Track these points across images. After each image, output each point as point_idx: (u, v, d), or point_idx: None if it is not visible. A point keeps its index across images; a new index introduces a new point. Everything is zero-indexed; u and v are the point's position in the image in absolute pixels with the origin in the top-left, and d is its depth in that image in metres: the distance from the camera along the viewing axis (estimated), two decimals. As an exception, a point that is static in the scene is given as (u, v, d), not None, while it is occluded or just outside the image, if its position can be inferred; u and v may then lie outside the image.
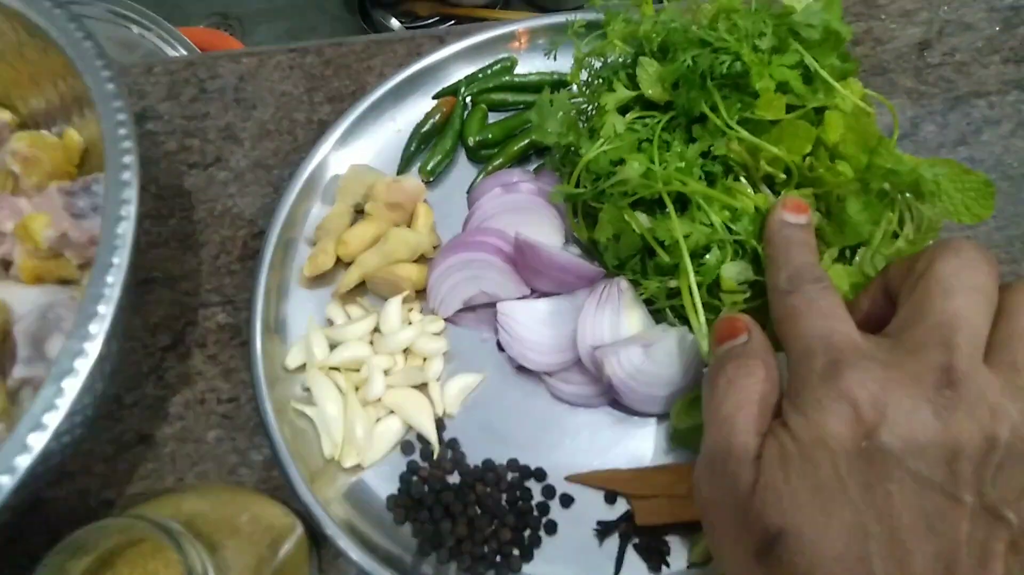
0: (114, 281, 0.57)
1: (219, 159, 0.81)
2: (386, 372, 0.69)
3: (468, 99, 0.81)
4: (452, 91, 0.81)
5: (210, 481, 0.68)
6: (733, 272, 0.60)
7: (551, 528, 0.65)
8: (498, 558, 0.63)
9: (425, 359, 0.71)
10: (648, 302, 0.67)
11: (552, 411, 0.69)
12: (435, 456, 0.67)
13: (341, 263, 0.74)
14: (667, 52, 0.64)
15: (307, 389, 0.69)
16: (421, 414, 0.68)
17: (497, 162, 0.77)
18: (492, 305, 0.72)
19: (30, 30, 0.69)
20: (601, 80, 0.69)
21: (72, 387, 0.54)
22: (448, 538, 0.63)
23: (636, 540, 0.64)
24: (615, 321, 0.67)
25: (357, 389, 0.69)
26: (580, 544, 0.64)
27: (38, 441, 0.53)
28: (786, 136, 0.59)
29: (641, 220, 0.62)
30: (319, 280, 0.74)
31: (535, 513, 0.65)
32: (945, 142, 0.77)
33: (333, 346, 0.70)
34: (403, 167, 0.79)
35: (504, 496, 0.66)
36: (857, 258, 0.61)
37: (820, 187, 0.60)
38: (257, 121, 0.83)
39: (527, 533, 0.64)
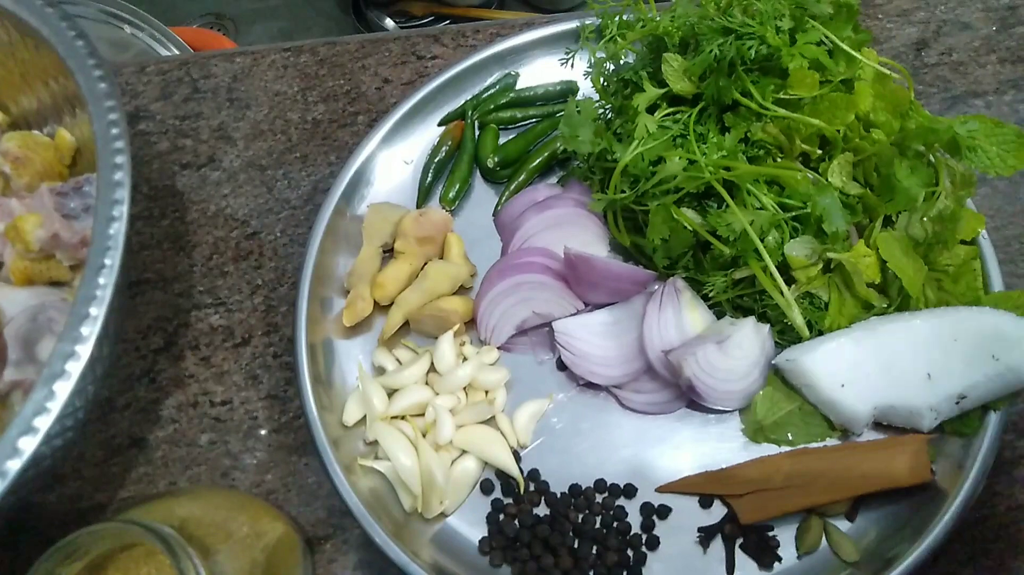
0: (106, 283, 0.56)
1: (212, 159, 0.80)
2: (451, 411, 0.66)
3: (475, 121, 0.79)
4: (458, 115, 0.79)
5: (203, 485, 0.68)
6: (800, 249, 0.61)
7: (653, 543, 0.63)
8: None
9: (487, 392, 0.68)
10: (704, 298, 0.67)
11: (627, 423, 0.67)
12: (520, 490, 0.65)
13: (379, 307, 0.71)
14: (687, 46, 0.64)
15: (370, 443, 0.66)
16: (496, 449, 0.65)
17: (520, 179, 0.76)
18: (545, 325, 0.70)
19: (22, 29, 0.68)
20: (622, 82, 0.69)
21: (63, 390, 0.54)
22: (554, 573, 0.61)
23: (742, 540, 0.63)
24: (679, 322, 0.65)
25: (425, 434, 0.66)
26: (685, 554, 0.63)
27: (29, 445, 0.53)
28: (824, 110, 0.60)
29: (691, 216, 0.62)
30: (359, 328, 0.71)
31: (635, 531, 0.63)
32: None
33: (390, 394, 0.67)
34: (422, 199, 0.76)
35: (599, 519, 0.64)
36: (899, 223, 0.62)
37: (860, 155, 0.61)
38: (250, 121, 0.82)
39: (631, 553, 0.63)
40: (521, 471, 0.66)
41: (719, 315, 0.68)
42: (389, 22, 1.72)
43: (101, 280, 0.56)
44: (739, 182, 0.60)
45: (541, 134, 0.78)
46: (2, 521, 0.55)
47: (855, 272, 0.62)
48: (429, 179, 0.76)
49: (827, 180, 0.61)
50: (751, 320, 0.65)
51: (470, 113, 0.79)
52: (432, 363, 0.68)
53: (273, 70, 0.84)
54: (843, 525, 0.62)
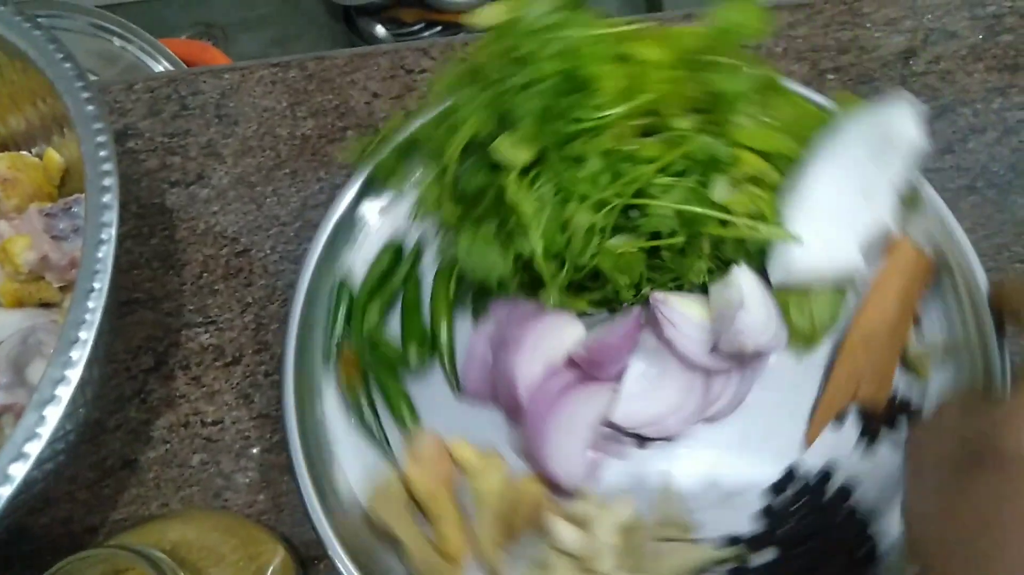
0: (95, 306, 0.56)
1: (201, 176, 0.80)
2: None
3: (368, 347, 0.69)
4: (339, 344, 0.69)
5: (195, 506, 0.68)
6: (721, 189, 0.63)
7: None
8: None
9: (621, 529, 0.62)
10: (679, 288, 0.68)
11: (693, 460, 0.66)
12: None
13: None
14: (507, 121, 0.62)
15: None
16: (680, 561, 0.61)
17: (446, 349, 0.69)
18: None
19: (9, 51, 0.68)
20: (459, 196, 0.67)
21: (54, 415, 0.54)
22: None
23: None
24: (693, 324, 0.64)
25: None
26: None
27: (19, 471, 0.52)
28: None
29: (616, 244, 0.62)
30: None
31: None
32: (931, 150, 0.76)
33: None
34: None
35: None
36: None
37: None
38: (239, 137, 0.82)
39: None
40: None
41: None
42: (380, 29, 1.72)
43: (90, 304, 0.56)
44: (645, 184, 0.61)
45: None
46: (-7, 547, 0.55)
47: (762, 173, 0.65)
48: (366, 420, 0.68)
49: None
50: (732, 272, 0.64)
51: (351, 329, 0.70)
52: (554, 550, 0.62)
53: (261, 86, 0.84)
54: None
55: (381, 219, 0.73)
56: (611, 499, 0.63)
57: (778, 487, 0.65)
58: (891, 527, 0.63)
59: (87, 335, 0.55)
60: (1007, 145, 0.77)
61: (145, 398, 0.72)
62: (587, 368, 0.65)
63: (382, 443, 0.66)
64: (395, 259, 0.71)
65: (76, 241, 0.69)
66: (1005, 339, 0.64)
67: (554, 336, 0.66)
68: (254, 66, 0.85)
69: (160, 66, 1.35)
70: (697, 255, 0.65)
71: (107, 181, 0.61)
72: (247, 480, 0.69)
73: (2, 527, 0.55)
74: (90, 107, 0.64)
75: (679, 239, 0.63)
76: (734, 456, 0.66)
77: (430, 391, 0.68)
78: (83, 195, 0.64)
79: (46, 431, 0.53)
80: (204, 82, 0.85)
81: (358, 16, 1.72)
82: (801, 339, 0.66)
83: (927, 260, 0.68)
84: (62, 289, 0.71)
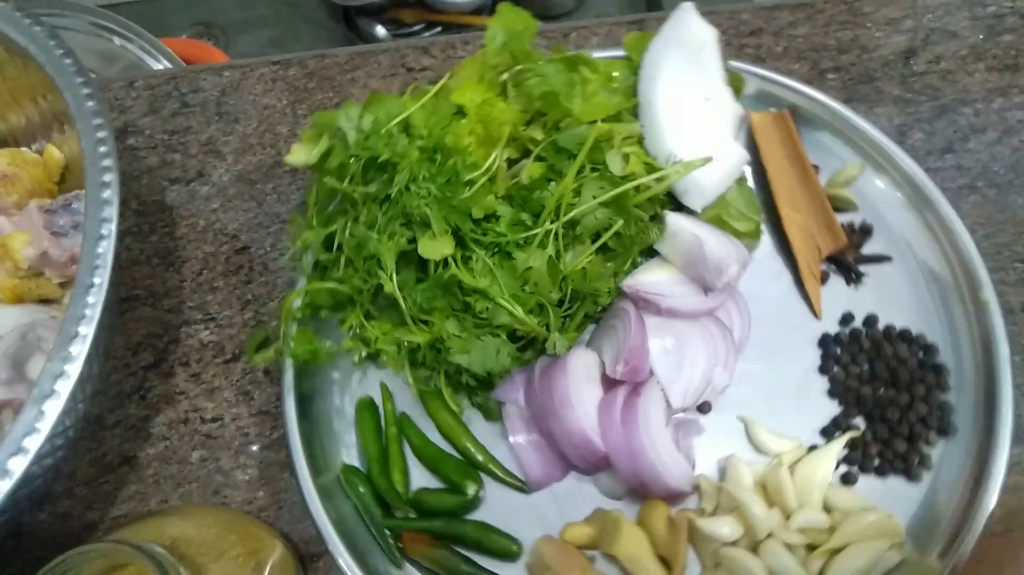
0: (95, 301, 0.56)
1: (201, 174, 0.80)
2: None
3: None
4: (394, 535, 0.65)
5: (194, 502, 0.67)
6: (615, 162, 0.64)
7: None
8: None
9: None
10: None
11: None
12: None
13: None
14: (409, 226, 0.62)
15: None
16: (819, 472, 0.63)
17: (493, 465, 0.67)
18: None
19: (9, 48, 0.68)
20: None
21: (53, 410, 0.54)
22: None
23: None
24: (671, 282, 0.66)
25: None
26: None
27: (19, 465, 0.52)
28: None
29: (572, 263, 0.63)
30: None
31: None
32: (932, 149, 0.77)
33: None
34: None
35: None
36: None
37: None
38: (240, 135, 0.82)
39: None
40: None
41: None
42: (380, 29, 1.72)
43: (90, 299, 0.56)
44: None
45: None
46: (-8, 542, 0.55)
47: (628, 132, 0.68)
48: None
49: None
50: (668, 222, 0.66)
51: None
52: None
53: (262, 83, 0.84)
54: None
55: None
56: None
57: (824, 361, 0.69)
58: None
59: (87, 330, 0.55)
60: (1008, 145, 0.77)
61: (145, 395, 0.72)
62: (631, 378, 0.64)
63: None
64: (373, 414, 0.69)
65: (76, 237, 0.69)
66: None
67: (583, 374, 0.65)
68: (254, 64, 0.85)
69: (160, 65, 1.35)
70: (639, 229, 0.66)
71: (107, 177, 0.61)
72: (246, 477, 0.69)
73: (2, 521, 0.55)
74: (90, 103, 0.64)
75: (618, 224, 0.63)
76: (777, 363, 0.69)
77: (490, 511, 0.66)
78: (83, 191, 0.64)
79: (45, 426, 0.53)
80: (204, 80, 0.84)
81: (358, 17, 1.72)
82: (750, 237, 0.70)
83: (783, 115, 0.73)
84: (62, 285, 0.71)
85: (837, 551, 0.61)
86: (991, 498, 0.61)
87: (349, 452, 0.68)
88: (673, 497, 0.64)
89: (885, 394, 0.67)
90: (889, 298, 0.70)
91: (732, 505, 0.62)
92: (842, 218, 0.72)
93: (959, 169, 0.76)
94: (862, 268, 0.71)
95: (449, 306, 0.63)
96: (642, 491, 0.64)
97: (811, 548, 0.61)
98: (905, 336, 0.69)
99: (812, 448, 0.66)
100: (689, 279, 0.67)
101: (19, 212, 0.71)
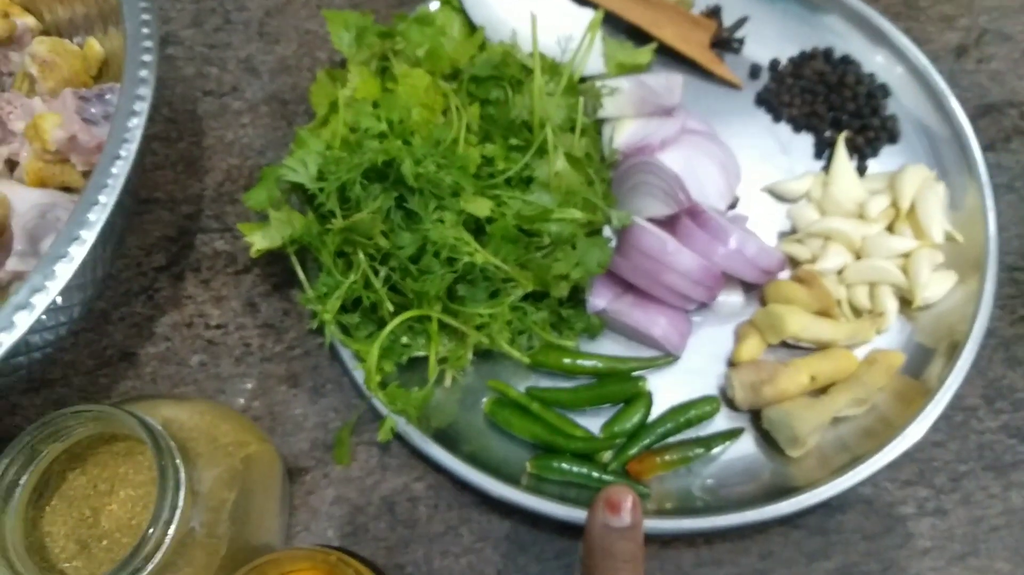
0: (119, 173, 0.56)
1: (235, 89, 0.80)
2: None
3: None
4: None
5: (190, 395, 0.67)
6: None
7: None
8: None
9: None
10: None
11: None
12: None
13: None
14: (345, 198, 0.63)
15: None
16: None
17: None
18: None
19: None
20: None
21: (64, 272, 0.53)
22: None
23: None
24: (637, 127, 0.72)
25: None
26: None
27: (24, 320, 0.51)
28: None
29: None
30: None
31: None
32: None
33: None
34: None
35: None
36: None
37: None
38: (278, 56, 0.81)
39: None
40: None
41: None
42: None
43: (114, 170, 0.55)
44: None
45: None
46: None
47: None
48: None
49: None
50: (606, 86, 0.71)
51: None
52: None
53: (307, 8, 0.84)
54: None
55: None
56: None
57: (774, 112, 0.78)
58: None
59: (107, 199, 0.55)
60: (1050, 150, 0.76)
61: (152, 295, 0.71)
62: (688, 202, 0.67)
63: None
64: (508, 408, 0.66)
65: (106, 127, 0.69)
66: None
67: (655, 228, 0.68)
68: (302, -11, 0.85)
69: None
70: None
71: (144, 72, 0.60)
72: (244, 386, 0.68)
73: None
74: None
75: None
76: (744, 142, 0.75)
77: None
78: (118, 85, 0.64)
79: (55, 286, 0.52)
80: (250, -1, 0.84)
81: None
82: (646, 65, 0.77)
83: None
84: (85, 175, 0.70)
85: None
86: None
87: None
88: (773, 277, 0.69)
89: (838, 102, 0.76)
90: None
91: (824, 235, 0.70)
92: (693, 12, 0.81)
93: (998, 168, 0.75)
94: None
95: (519, 249, 0.63)
96: (758, 283, 0.69)
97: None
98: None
99: (825, 169, 0.75)
100: (651, 115, 0.72)
101: (54, 99, 0.71)
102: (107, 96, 0.70)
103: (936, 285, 0.67)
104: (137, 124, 0.57)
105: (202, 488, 0.51)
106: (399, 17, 0.72)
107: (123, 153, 0.56)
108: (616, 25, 0.79)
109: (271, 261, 0.72)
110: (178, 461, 0.48)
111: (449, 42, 0.72)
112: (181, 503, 0.47)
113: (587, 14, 0.76)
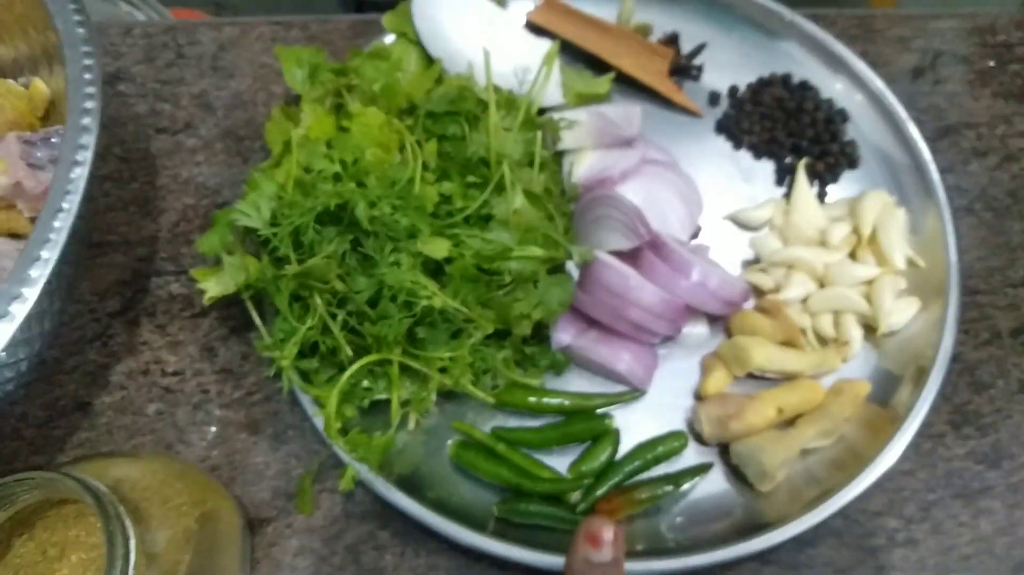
0: (61, 226, 0.54)
1: (189, 125, 0.78)
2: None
3: None
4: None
5: (144, 451, 0.65)
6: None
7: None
8: None
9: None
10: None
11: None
12: None
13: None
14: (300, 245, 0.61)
15: None
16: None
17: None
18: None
19: (5, -26, 0.66)
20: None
21: (5, 332, 0.51)
22: None
23: None
24: (595, 159, 0.72)
25: None
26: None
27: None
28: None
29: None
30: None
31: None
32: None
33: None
34: None
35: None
36: None
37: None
38: (233, 91, 0.80)
39: None
40: None
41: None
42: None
43: (56, 223, 0.54)
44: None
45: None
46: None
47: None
48: None
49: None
50: (564, 119, 0.71)
51: None
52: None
53: (261, 42, 0.82)
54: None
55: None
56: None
57: (734, 139, 0.78)
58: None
59: (49, 255, 0.53)
60: (1007, 171, 0.76)
61: (107, 342, 0.69)
62: (649, 236, 0.67)
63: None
64: (473, 451, 0.65)
65: (52, 172, 0.67)
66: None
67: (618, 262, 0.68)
68: (255, 22, 0.83)
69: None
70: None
71: (89, 104, 0.59)
72: (202, 435, 0.66)
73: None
74: (81, 30, 0.62)
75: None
76: (704, 170, 0.76)
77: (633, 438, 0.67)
78: (64, 127, 0.62)
79: (-4, 345, 0.50)
80: (203, 33, 0.83)
81: (368, 8, 1.71)
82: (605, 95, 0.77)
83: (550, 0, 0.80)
84: (33, 221, 0.68)
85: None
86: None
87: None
88: (737, 308, 0.69)
89: (797, 128, 0.76)
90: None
91: (787, 264, 0.70)
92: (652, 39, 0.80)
93: (958, 190, 0.75)
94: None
95: (479, 289, 0.61)
96: (722, 314, 0.69)
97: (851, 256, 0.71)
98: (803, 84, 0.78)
99: (786, 196, 0.75)
100: (610, 146, 0.72)
101: (-3, 142, 0.69)
102: (53, 139, 0.68)
103: (900, 312, 0.66)
104: (80, 175, 0.56)
105: (156, 550, 0.49)
106: (354, 53, 0.71)
107: (65, 205, 0.54)
108: (574, 55, 0.78)
109: (229, 303, 0.70)
110: (127, 525, 0.47)
111: (405, 76, 0.71)
112: (132, 569, 0.46)
113: (544, 44, 0.75)
